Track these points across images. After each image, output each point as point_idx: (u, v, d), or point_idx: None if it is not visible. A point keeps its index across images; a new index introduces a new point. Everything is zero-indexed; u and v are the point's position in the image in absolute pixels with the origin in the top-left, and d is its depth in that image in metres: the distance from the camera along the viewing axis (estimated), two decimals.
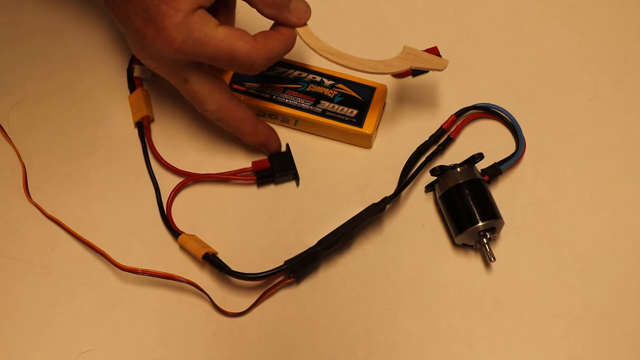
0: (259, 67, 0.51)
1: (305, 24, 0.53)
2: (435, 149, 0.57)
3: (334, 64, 0.59)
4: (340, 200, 0.56)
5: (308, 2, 0.53)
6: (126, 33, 0.50)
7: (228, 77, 0.58)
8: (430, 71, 0.61)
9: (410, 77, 0.61)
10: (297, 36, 0.53)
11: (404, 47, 0.55)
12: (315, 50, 0.53)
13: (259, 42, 0.50)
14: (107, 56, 0.62)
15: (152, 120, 0.59)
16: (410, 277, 0.54)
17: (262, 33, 0.51)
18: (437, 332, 0.52)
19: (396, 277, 0.54)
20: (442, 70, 0.55)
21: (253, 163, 0.57)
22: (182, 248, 0.54)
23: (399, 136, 0.59)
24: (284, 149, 0.58)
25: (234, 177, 0.57)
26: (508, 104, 0.59)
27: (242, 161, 0.57)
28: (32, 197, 0.56)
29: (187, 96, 0.53)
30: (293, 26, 0.52)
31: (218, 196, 0.57)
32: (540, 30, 0.63)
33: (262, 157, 0.57)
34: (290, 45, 0.52)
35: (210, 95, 0.52)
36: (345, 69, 0.53)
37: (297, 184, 0.57)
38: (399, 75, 0.61)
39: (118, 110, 0.60)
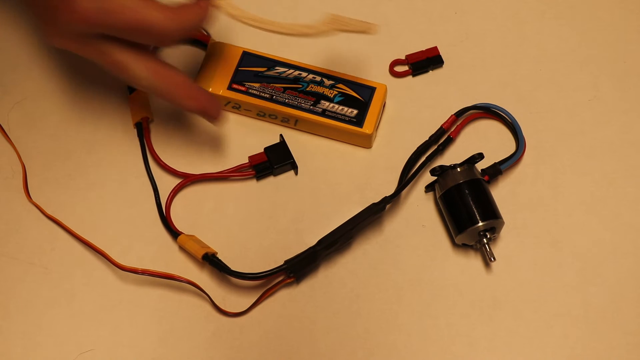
0: (174, 37, 0.49)
1: None
2: (435, 149, 0.57)
3: (333, 66, 0.59)
4: (340, 200, 0.56)
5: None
6: (36, 14, 0.48)
7: (228, 77, 0.58)
8: (430, 71, 0.61)
9: (411, 77, 0.62)
10: (220, 7, 0.52)
11: (330, 14, 0.55)
12: (238, 19, 0.52)
13: (174, 13, 0.49)
14: None
15: (152, 121, 0.59)
16: (410, 277, 0.54)
17: (179, 5, 0.50)
18: (437, 332, 0.52)
19: (396, 277, 0.54)
20: (372, 34, 0.54)
21: (250, 158, 0.57)
22: (182, 248, 0.54)
23: (399, 136, 0.59)
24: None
25: (232, 174, 0.57)
26: (508, 104, 0.59)
27: (241, 159, 0.57)
28: (32, 197, 0.56)
29: (112, 70, 0.50)
30: None
31: (217, 196, 0.57)
32: (540, 30, 0.63)
33: (258, 152, 0.57)
34: (206, 16, 0.51)
35: (137, 62, 0.49)
36: (283, 35, 0.53)
37: (296, 173, 0.57)
38: (398, 75, 0.61)
39: (117, 110, 0.60)
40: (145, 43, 0.51)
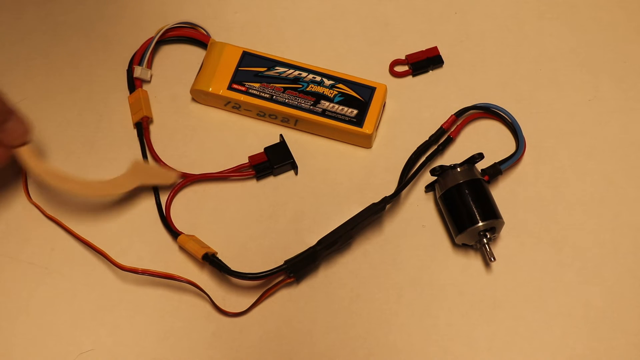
0: None
1: (24, 144, 0.51)
2: (435, 149, 0.57)
3: (333, 66, 0.59)
4: (340, 200, 0.56)
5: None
6: None
7: (228, 77, 0.58)
8: (430, 71, 0.61)
9: (411, 77, 0.62)
10: (20, 157, 0.51)
11: (133, 161, 0.54)
12: (36, 174, 0.51)
13: None
14: (107, 57, 0.62)
15: (151, 121, 0.59)
16: (410, 277, 0.54)
17: None
18: (437, 332, 0.52)
19: (396, 277, 0.54)
20: (168, 184, 0.55)
21: (250, 158, 0.57)
22: (182, 248, 0.54)
23: (399, 136, 0.59)
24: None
25: (232, 174, 0.57)
26: (508, 104, 0.59)
27: (241, 159, 0.57)
28: (32, 197, 0.56)
29: None
30: (6, 146, 0.51)
31: (217, 196, 0.57)
32: (540, 30, 0.63)
33: (257, 152, 0.57)
34: (1, 163, 0.51)
35: None
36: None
37: (296, 173, 0.57)
38: (398, 75, 0.61)
39: (117, 110, 0.60)
40: None
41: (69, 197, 0.56)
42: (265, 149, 0.57)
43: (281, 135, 0.58)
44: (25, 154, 0.52)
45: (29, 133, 0.52)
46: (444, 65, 0.61)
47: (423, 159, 0.57)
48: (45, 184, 0.52)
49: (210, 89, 0.58)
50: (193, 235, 0.55)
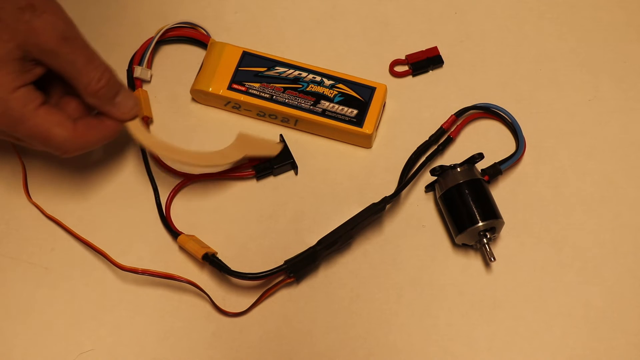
0: (72, 154, 0.49)
1: (133, 118, 0.52)
2: (435, 149, 0.57)
3: (333, 66, 0.59)
4: (340, 200, 0.56)
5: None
6: None
7: (228, 77, 0.58)
8: (430, 71, 0.61)
9: (411, 77, 0.62)
10: (128, 129, 0.52)
11: (239, 134, 0.55)
12: (145, 147, 0.52)
13: (77, 131, 0.49)
14: (106, 57, 0.61)
15: (152, 121, 0.59)
16: (410, 277, 0.54)
17: (86, 121, 0.50)
18: (437, 332, 0.52)
19: (396, 277, 0.54)
20: (273, 155, 0.56)
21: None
22: (182, 248, 0.54)
23: (399, 136, 0.59)
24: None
25: (232, 174, 0.57)
26: (508, 104, 0.59)
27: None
28: (32, 197, 0.56)
29: (31, 145, 0.50)
30: (117, 120, 0.51)
31: (217, 196, 0.57)
32: (540, 30, 0.63)
33: None
34: (111, 137, 0.51)
35: (51, 130, 0.48)
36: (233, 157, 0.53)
37: (296, 173, 0.57)
38: (398, 75, 0.61)
39: None
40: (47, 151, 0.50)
41: (72, 198, 0.56)
42: None
43: (281, 135, 0.58)
44: (134, 127, 0.52)
45: (138, 107, 0.52)
46: (444, 65, 0.61)
47: (423, 159, 0.57)
48: (155, 155, 0.53)
49: (210, 89, 0.58)
50: (193, 235, 0.55)
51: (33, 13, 0.46)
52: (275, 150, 0.56)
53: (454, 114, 0.58)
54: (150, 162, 0.57)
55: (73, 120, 0.49)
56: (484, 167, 0.56)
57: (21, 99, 0.47)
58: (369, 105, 0.57)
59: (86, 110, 0.51)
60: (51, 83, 0.50)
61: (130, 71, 0.60)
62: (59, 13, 0.47)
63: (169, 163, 0.56)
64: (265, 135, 0.58)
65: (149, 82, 0.61)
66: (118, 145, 0.58)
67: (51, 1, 0.47)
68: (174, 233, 0.54)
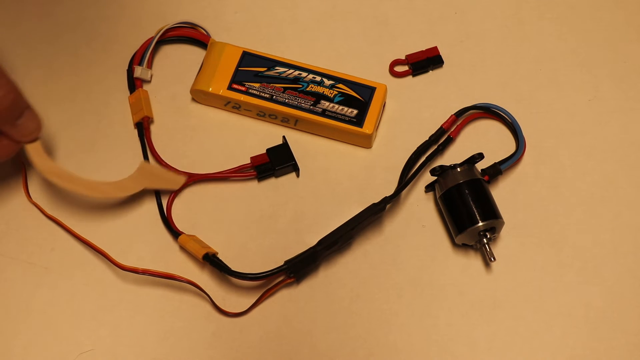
0: None
1: (34, 140, 0.51)
2: (435, 149, 0.57)
3: (333, 66, 0.59)
4: (340, 200, 0.56)
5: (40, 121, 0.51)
6: None
7: (228, 77, 0.58)
8: (430, 71, 0.61)
9: (411, 77, 0.62)
10: (27, 152, 0.51)
11: (140, 163, 0.54)
12: (41, 172, 0.52)
13: None
14: (107, 56, 0.62)
15: (152, 121, 0.59)
16: (410, 277, 0.54)
17: None
18: (437, 332, 0.52)
19: (396, 277, 0.54)
20: (175, 189, 0.55)
21: (252, 158, 0.57)
22: (182, 248, 0.54)
23: (399, 136, 0.59)
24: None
25: (234, 174, 0.57)
26: (508, 104, 0.59)
27: (241, 159, 0.57)
28: (32, 197, 0.56)
29: None
30: (17, 141, 0.51)
31: (218, 196, 0.57)
32: (540, 30, 0.63)
33: (256, 152, 0.57)
34: (6, 157, 0.51)
35: None
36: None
37: (298, 175, 0.57)
38: (398, 75, 0.61)
39: (118, 110, 0.60)
40: None
41: (74, 196, 0.56)
42: (268, 150, 0.57)
43: (284, 137, 0.58)
44: (33, 150, 0.52)
45: (40, 130, 0.52)
46: (444, 65, 0.61)
47: (423, 159, 0.57)
48: (51, 183, 0.52)
49: (210, 89, 0.58)
50: (194, 235, 0.55)
51: None
52: (177, 184, 0.55)
53: (454, 114, 0.58)
54: (152, 162, 0.57)
55: None
56: (484, 167, 0.56)
57: None
58: (369, 105, 0.57)
59: None
60: None
61: (130, 71, 0.60)
62: None
63: (65, 191, 0.54)
64: (266, 135, 0.58)
65: (149, 82, 0.61)
66: (118, 145, 0.58)
67: None
68: (175, 233, 0.54)
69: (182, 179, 0.55)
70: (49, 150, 0.57)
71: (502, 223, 0.53)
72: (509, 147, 0.58)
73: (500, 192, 0.56)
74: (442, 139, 0.58)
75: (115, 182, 0.53)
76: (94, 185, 0.52)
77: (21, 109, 0.50)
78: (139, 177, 0.54)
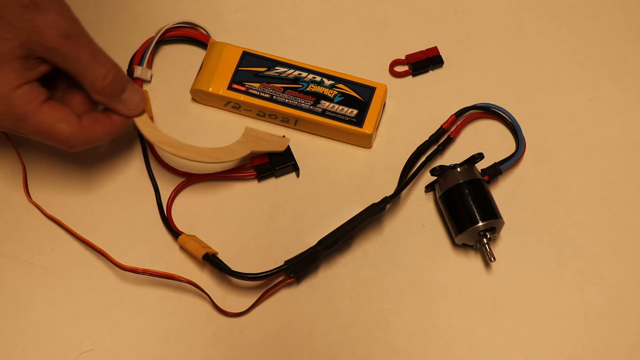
0: (78, 149, 0.49)
1: (140, 114, 0.52)
2: (435, 149, 0.57)
3: (333, 66, 0.59)
4: (340, 200, 0.56)
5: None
6: None
7: (228, 77, 0.58)
8: (430, 71, 0.61)
9: (411, 77, 0.62)
10: (136, 124, 0.52)
11: (245, 128, 0.55)
12: (153, 143, 0.52)
13: (82, 127, 0.49)
14: None
15: (152, 121, 0.59)
16: (410, 277, 0.54)
17: (92, 116, 0.50)
18: (437, 332, 0.52)
19: (396, 277, 0.54)
20: (282, 151, 0.55)
21: (252, 158, 0.57)
22: (182, 248, 0.54)
23: (399, 136, 0.59)
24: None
25: (234, 174, 0.57)
26: (508, 104, 0.59)
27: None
28: (32, 197, 0.56)
29: (38, 140, 0.49)
30: (124, 116, 0.51)
31: (218, 196, 0.57)
32: (540, 30, 0.63)
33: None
34: (118, 132, 0.51)
35: (55, 126, 0.48)
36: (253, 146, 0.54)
37: (298, 175, 0.57)
38: (398, 75, 0.61)
39: None
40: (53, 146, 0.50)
41: (73, 197, 0.56)
42: None
43: (284, 137, 0.58)
44: (142, 123, 0.53)
45: (145, 102, 0.52)
46: (444, 65, 0.61)
47: (423, 159, 0.57)
48: (162, 151, 0.53)
49: (210, 89, 0.58)
50: (194, 235, 0.55)
51: (36, 11, 0.46)
52: (282, 146, 0.56)
53: (454, 114, 0.58)
54: (152, 161, 0.57)
55: (78, 116, 0.49)
56: (484, 167, 0.56)
57: (24, 97, 0.47)
58: (369, 105, 0.57)
59: (92, 104, 0.51)
60: (58, 78, 0.50)
61: (130, 71, 0.60)
62: (63, 11, 0.47)
63: (177, 157, 0.55)
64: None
65: (149, 82, 0.61)
66: (119, 145, 0.58)
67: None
68: (175, 233, 0.54)
69: (286, 141, 0.56)
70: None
71: (502, 223, 0.53)
72: (509, 147, 0.58)
73: (500, 192, 0.56)
74: (442, 139, 0.58)
75: (224, 147, 0.54)
76: (204, 151, 0.53)
77: (124, 83, 0.51)
78: (246, 141, 0.55)
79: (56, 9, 0.47)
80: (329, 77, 0.58)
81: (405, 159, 0.57)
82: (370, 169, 0.58)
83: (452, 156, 0.58)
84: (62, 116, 0.48)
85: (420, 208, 0.56)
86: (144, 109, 0.53)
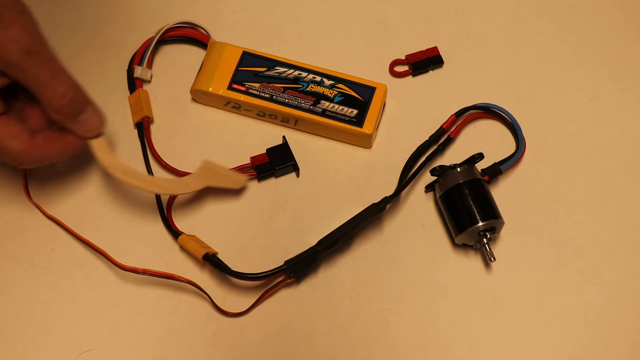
0: (27, 167, 0.49)
1: (98, 136, 0.52)
2: (435, 149, 0.57)
3: (333, 66, 0.59)
4: (340, 200, 0.56)
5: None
6: None
7: (228, 77, 0.58)
8: (430, 71, 0.61)
9: (411, 77, 0.62)
10: (90, 147, 0.51)
11: (203, 161, 0.54)
12: (105, 168, 0.52)
13: (34, 145, 0.48)
14: (107, 56, 0.62)
15: (152, 121, 0.59)
16: (410, 277, 0.54)
17: (47, 134, 0.49)
18: (437, 332, 0.52)
19: (396, 277, 0.54)
20: (237, 188, 0.55)
21: (252, 158, 0.57)
22: (182, 248, 0.54)
23: (399, 136, 0.59)
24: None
25: None
26: (508, 104, 0.59)
27: (241, 159, 0.57)
28: (32, 197, 0.56)
29: None
30: (80, 137, 0.51)
31: (218, 196, 0.57)
32: (540, 30, 0.63)
33: (256, 152, 0.57)
34: (71, 153, 0.51)
35: (5, 142, 0.48)
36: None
37: (298, 175, 0.57)
38: (398, 75, 0.61)
39: (118, 110, 0.60)
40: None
41: (74, 198, 0.56)
42: (268, 150, 0.57)
43: (284, 137, 0.58)
44: (97, 146, 0.52)
45: (103, 125, 0.52)
46: (444, 65, 0.61)
47: (423, 159, 0.57)
48: (113, 178, 0.53)
49: (210, 89, 0.58)
50: (194, 235, 0.55)
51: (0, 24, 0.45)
52: (239, 183, 0.55)
53: (454, 114, 0.58)
54: (152, 161, 0.57)
55: (31, 133, 0.49)
56: (484, 167, 0.56)
57: None
58: (369, 105, 0.57)
59: (50, 121, 0.50)
60: (19, 90, 0.49)
61: (130, 71, 0.60)
62: (27, 26, 0.47)
63: (128, 188, 0.54)
64: (266, 135, 0.58)
65: (149, 82, 0.61)
66: (118, 145, 0.58)
67: (21, 14, 0.47)
68: (175, 233, 0.54)
69: (243, 178, 0.55)
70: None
71: (502, 223, 0.53)
72: (509, 147, 0.58)
73: (500, 192, 0.56)
74: (442, 139, 0.58)
75: (177, 179, 0.53)
76: (156, 182, 0.52)
77: (83, 104, 0.50)
78: (202, 175, 0.54)
79: (21, 23, 0.46)
80: (329, 77, 0.58)
81: (405, 159, 0.57)
82: (370, 169, 0.58)
83: (452, 156, 0.58)
84: (14, 132, 0.48)
85: (420, 208, 0.56)
86: (101, 131, 0.52)
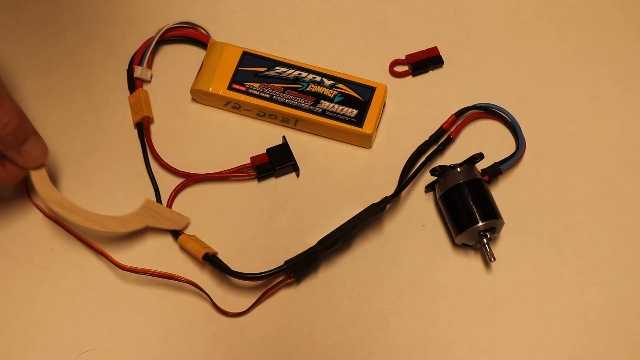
0: None
1: (39, 167, 0.51)
2: (435, 149, 0.57)
3: (333, 66, 0.59)
4: (340, 200, 0.56)
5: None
6: None
7: (228, 77, 0.58)
8: (430, 71, 0.61)
9: (411, 77, 0.62)
10: (31, 177, 0.51)
11: (145, 200, 0.54)
12: (44, 200, 0.51)
13: None
14: (107, 56, 0.62)
15: (152, 121, 0.59)
16: (410, 277, 0.54)
17: None
18: (437, 332, 0.52)
19: (396, 277, 0.54)
20: (178, 229, 0.54)
21: (252, 158, 0.57)
22: (182, 248, 0.54)
23: (399, 136, 0.59)
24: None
25: (234, 174, 0.57)
26: (508, 104, 0.59)
27: (241, 159, 0.57)
28: (32, 197, 0.56)
29: None
30: (21, 167, 0.50)
31: (218, 196, 0.57)
32: (540, 30, 0.63)
33: (256, 152, 0.57)
34: (10, 182, 0.50)
35: None
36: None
37: (298, 175, 0.57)
38: (398, 75, 0.61)
39: (118, 110, 0.60)
40: None
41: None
42: (268, 150, 0.57)
43: (284, 137, 0.58)
44: (37, 177, 0.52)
45: (45, 156, 0.52)
46: (444, 65, 0.61)
47: (423, 159, 0.57)
48: (52, 211, 0.52)
49: (210, 89, 0.58)
50: (194, 235, 0.55)
51: None
52: (180, 225, 0.55)
53: (454, 114, 0.58)
54: (152, 161, 0.57)
55: None
56: (484, 167, 0.56)
57: None
58: (369, 105, 0.57)
59: None
60: None
61: (130, 71, 0.60)
62: None
63: (67, 223, 0.54)
64: (266, 135, 0.58)
65: (149, 82, 0.61)
66: (118, 145, 0.58)
67: None
68: (175, 233, 0.54)
69: (185, 220, 0.55)
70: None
71: (502, 223, 0.53)
72: (509, 147, 0.58)
73: (500, 192, 0.56)
74: (442, 139, 0.58)
75: (117, 217, 0.53)
76: (95, 219, 0.52)
77: (26, 134, 0.50)
78: (142, 215, 0.53)
79: None
80: (329, 77, 0.58)
81: (405, 159, 0.57)
82: (370, 169, 0.58)
83: (452, 156, 0.58)
84: None
85: (420, 208, 0.56)
86: (43, 162, 0.51)
